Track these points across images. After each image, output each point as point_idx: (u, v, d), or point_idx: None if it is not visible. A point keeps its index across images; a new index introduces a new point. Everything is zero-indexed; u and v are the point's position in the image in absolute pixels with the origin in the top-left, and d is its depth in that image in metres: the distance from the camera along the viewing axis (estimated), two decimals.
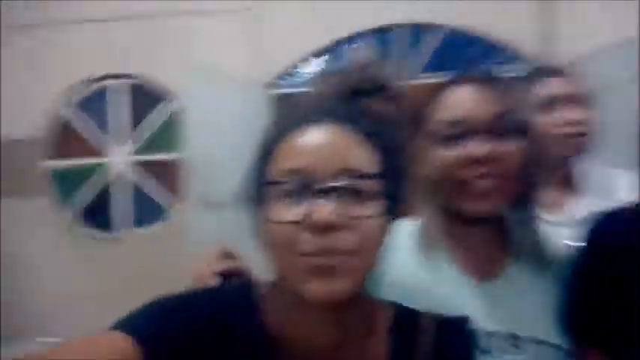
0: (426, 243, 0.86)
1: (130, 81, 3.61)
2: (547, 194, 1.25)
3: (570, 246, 0.88)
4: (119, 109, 3.66)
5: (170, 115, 3.56)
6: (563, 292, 0.84)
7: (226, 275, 0.80)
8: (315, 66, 3.48)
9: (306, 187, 0.60)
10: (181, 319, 0.64)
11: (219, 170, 2.86)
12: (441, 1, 3.22)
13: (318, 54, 3.46)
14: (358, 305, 0.66)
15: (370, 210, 0.61)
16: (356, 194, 0.61)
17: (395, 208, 0.66)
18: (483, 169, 0.80)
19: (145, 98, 3.63)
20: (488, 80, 0.85)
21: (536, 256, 0.87)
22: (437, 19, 3.32)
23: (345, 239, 0.59)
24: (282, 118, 0.70)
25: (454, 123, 0.82)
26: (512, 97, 0.84)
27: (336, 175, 0.60)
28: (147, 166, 3.67)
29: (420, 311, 0.72)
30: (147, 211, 3.64)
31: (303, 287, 0.60)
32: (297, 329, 0.66)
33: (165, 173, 3.63)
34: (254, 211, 0.66)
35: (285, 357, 0.65)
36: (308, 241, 0.59)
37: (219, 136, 2.93)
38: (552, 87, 1.29)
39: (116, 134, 3.67)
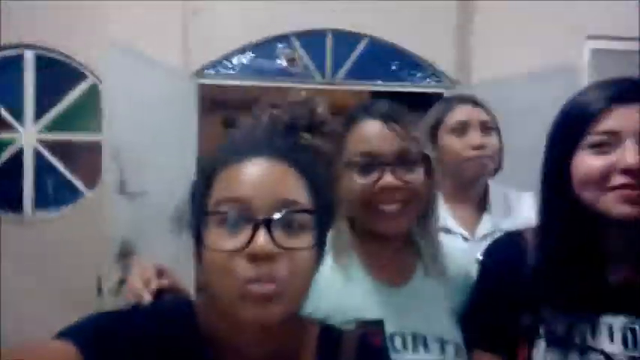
0: (340, 254, 0.95)
1: (48, 54, 3.39)
2: (460, 212, 1.41)
3: (478, 259, 1.00)
4: (32, 83, 3.42)
5: (90, 94, 3.39)
6: (465, 300, 0.97)
7: (161, 292, 0.82)
8: (242, 60, 3.50)
9: (244, 217, 0.63)
10: (125, 334, 0.66)
11: (139, 158, 2.79)
12: (367, 13, 3.35)
13: (246, 49, 3.48)
14: (289, 326, 0.70)
15: (304, 242, 0.65)
16: (291, 226, 0.64)
17: (324, 239, 0.71)
18: (392, 196, 0.92)
19: (63, 74, 3.42)
20: (395, 114, 0.96)
21: (439, 265, 0.99)
22: (362, 28, 3.46)
23: (280, 268, 0.62)
24: (222, 149, 0.73)
25: (366, 155, 0.93)
26: (415, 129, 0.96)
27: (273, 208, 0.64)
28: (59, 146, 3.47)
29: (342, 329, 0.79)
30: (57, 194, 3.44)
31: (239, 311, 0.63)
32: (231, 346, 0.69)
33: (80, 155, 3.45)
34: (191, 237, 0.69)
35: None
36: (245, 268, 0.62)
37: (141, 123, 2.86)
38: (464, 114, 1.41)
39: (27, 109, 3.43)
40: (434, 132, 1.42)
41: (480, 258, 0.99)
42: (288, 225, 0.64)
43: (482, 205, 1.44)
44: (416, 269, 0.99)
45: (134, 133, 2.80)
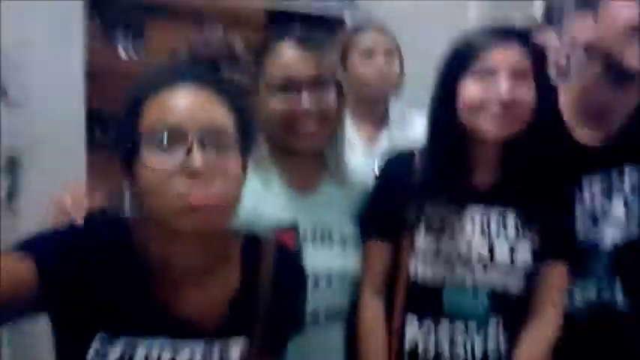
0: (260, 168, 1.04)
1: None
2: (363, 128, 1.57)
3: (375, 170, 1.16)
4: None
5: None
6: (363, 202, 1.13)
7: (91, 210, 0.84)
8: None
9: (179, 139, 0.69)
10: (73, 250, 0.72)
11: (20, 62, 2.53)
12: None
13: None
14: (220, 236, 0.78)
15: (232, 160, 0.72)
16: (220, 146, 0.71)
17: (248, 158, 0.78)
18: (308, 116, 1.01)
19: None
20: (311, 39, 1.04)
21: (342, 175, 1.12)
22: None
23: (215, 183, 0.69)
24: (148, 77, 0.78)
25: (284, 78, 1.01)
26: (329, 54, 1.06)
27: (204, 130, 0.70)
28: None
29: (262, 237, 0.88)
30: None
31: (180, 223, 0.69)
32: (167, 258, 0.76)
33: None
34: (124, 159, 0.73)
35: (157, 282, 0.76)
36: (183, 184, 0.68)
37: (22, 22, 2.58)
38: (371, 39, 1.54)
39: None
40: (343, 55, 1.55)
41: (378, 166, 1.15)
42: (217, 145, 0.71)
43: (383, 122, 1.60)
44: (324, 178, 1.12)
45: (15, 33, 2.53)
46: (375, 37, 1.56)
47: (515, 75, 0.98)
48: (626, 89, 1.08)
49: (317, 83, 1.02)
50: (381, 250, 1.10)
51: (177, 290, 0.77)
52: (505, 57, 0.98)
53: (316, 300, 1.00)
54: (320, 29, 1.09)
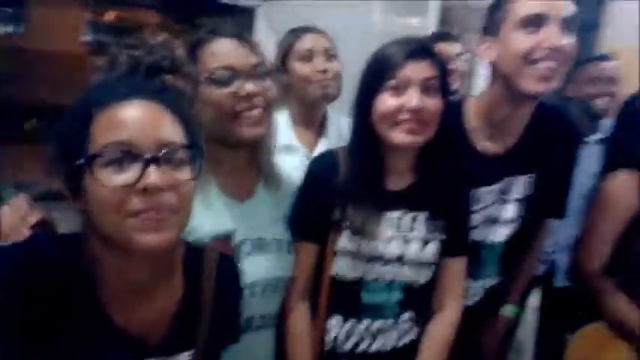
0: (201, 179, 1.00)
1: None
2: (303, 133, 1.63)
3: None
4: None
5: None
6: (292, 205, 1.17)
7: (35, 226, 0.84)
8: None
9: (132, 157, 0.68)
10: (19, 267, 0.71)
11: None
12: None
13: None
14: (170, 250, 0.77)
15: (185, 174, 0.72)
16: (172, 162, 0.71)
17: (198, 171, 0.76)
18: (252, 102, 1.04)
19: None
20: (243, 32, 1.08)
21: (276, 181, 1.15)
22: None
23: (169, 199, 0.70)
24: (95, 90, 0.75)
25: (226, 68, 1.03)
26: (260, 49, 1.09)
27: (156, 146, 0.69)
28: None
29: (203, 246, 0.89)
30: None
31: (134, 241, 0.69)
32: (116, 273, 0.75)
33: None
34: (71, 175, 0.71)
35: (104, 297, 0.75)
36: (138, 202, 0.68)
37: None
38: (310, 41, 1.59)
39: None
40: (284, 58, 1.61)
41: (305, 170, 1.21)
42: (171, 160, 0.71)
43: (321, 129, 1.68)
44: (258, 185, 1.15)
45: None
46: (313, 39, 1.60)
47: (426, 87, 1.07)
48: (522, 107, 1.22)
49: (256, 72, 1.05)
50: (308, 252, 1.17)
51: (124, 305, 0.77)
52: (417, 71, 1.07)
53: (251, 307, 1.05)
54: (225, 16, 1.11)
